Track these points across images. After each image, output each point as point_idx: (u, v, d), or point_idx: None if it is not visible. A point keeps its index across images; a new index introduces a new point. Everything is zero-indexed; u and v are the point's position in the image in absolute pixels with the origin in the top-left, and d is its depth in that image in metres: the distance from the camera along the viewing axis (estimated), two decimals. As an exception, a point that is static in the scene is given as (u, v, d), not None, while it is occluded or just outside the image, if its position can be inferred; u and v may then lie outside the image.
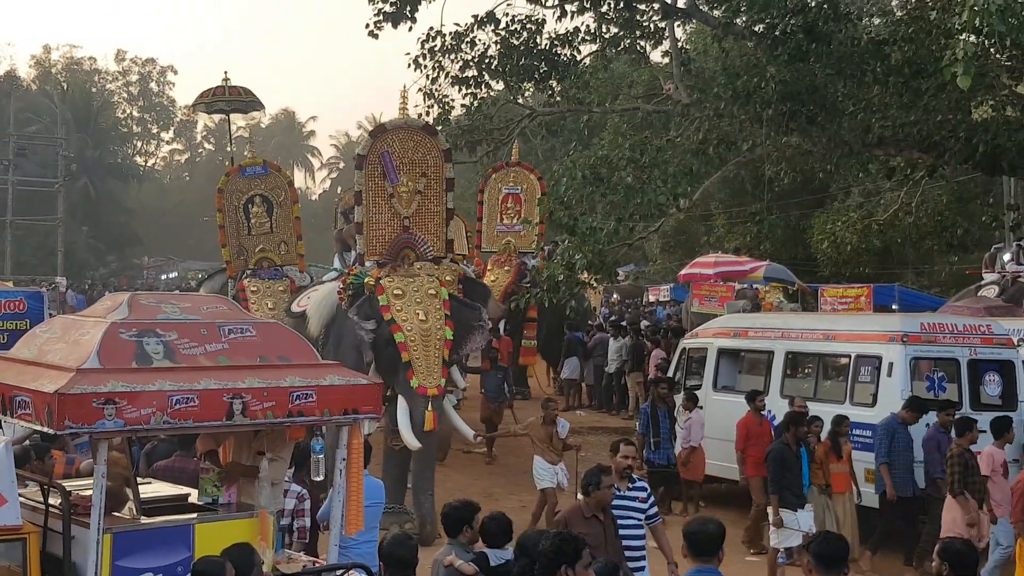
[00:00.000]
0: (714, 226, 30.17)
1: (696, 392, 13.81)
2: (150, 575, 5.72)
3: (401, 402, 11.32)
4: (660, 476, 12.98)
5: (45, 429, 5.41)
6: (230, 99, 18.57)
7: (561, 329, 21.59)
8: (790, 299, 19.93)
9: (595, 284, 19.66)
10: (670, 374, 15.12)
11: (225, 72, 18.77)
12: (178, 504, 6.50)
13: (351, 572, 6.43)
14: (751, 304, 20.11)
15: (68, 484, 6.15)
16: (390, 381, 11.53)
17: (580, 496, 7.20)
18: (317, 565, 6.54)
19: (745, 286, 19.99)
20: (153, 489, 6.79)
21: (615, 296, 32.30)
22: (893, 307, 19.79)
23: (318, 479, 7.95)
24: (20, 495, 5.75)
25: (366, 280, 11.83)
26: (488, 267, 20.99)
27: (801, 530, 9.94)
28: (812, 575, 4.98)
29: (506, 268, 21.03)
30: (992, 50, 12.24)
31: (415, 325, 11.39)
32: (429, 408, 11.18)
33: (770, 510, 10.18)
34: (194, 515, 6.19)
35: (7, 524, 5.45)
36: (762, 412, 12.17)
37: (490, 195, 21.20)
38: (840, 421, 11.12)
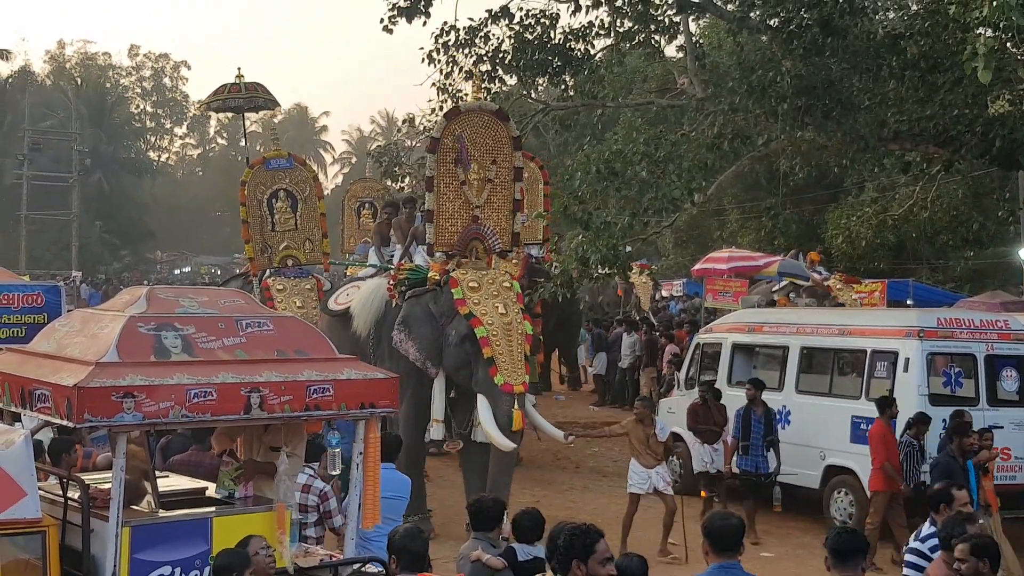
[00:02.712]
0: (727, 221, 30.09)
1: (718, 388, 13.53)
2: (168, 568, 5.73)
3: (482, 401, 10.57)
4: (749, 486, 12.20)
5: (65, 422, 5.43)
6: (244, 97, 18.10)
7: (565, 322, 21.52)
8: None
9: (605, 278, 19.55)
10: (683, 369, 15.08)
11: (239, 68, 18.21)
12: (196, 498, 6.52)
13: (367, 565, 6.44)
14: (765, 300, 20.06)
15: (87, 477, 6.18)
16: (459, 380, 11.01)
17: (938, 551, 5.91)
18: (334, 559, 6.55)
19: (810, 284, 19.58)
20: (171, 483, 6.80)
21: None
22: (907, 302, 19.71)
23: (334, 473, 7.98)
24: (39, 488, 5.77)
25: (430, 274, 11.21)
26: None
27: None
28: (831, 572, 4.96)
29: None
30: (1009, 44, 12.17)
31: (496, 319, 10.67)
32: (516, 406, 10.45)
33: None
34: (212, 509, 6.20)
35: (27, 517, 5.46)
36: (894, 420, 11.16)
37: None
38: (984, 432, 10.43)
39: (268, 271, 15.07)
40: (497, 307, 10.73)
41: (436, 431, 11.08)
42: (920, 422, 10.86)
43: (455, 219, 11.32)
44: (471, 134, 11.29)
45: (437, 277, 11.07)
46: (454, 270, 11.04)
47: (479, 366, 10.63)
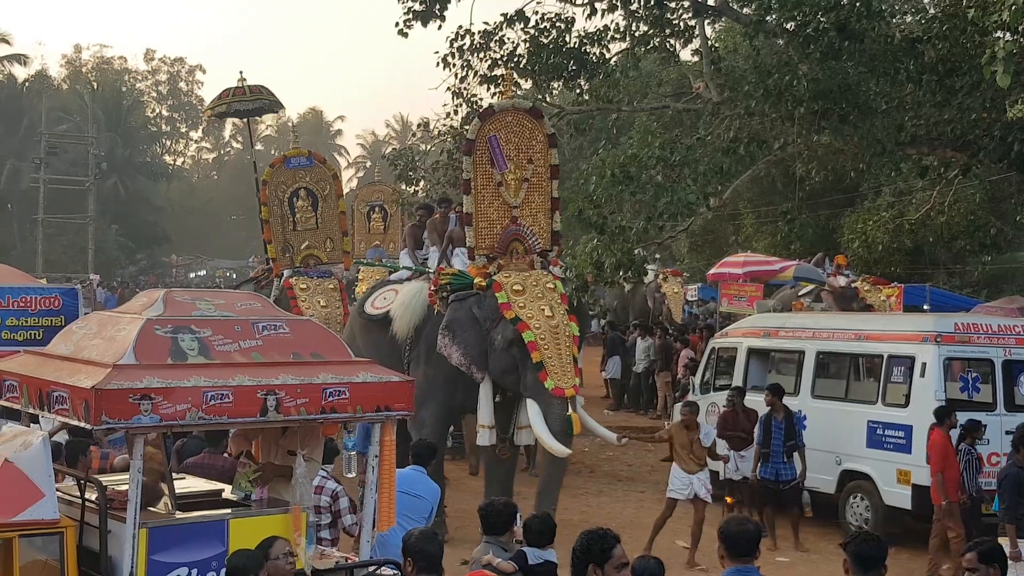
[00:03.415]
0: (742, 225, 30.02)
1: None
2: (185, 570, 5.75)
3: (532, 406, 10.35)
4: (767, 493, 11.93)
5: (82, 424, 5.45)
6: (248, 100, 17.80)
7: None
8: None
9: (624, 283, 19.44)
10: (699, 374, 15.04)
11: (240, 72, 17.88)
12: (212, 499, 6.53)
13: (383, 568, 6.44)
14: (782, 304, 20.00)
15: (104, 479, 6.20)
16: (506, 385, 10.83)
17: None
18: (349, 561, 6.55)
19: (843, 286, 19.39)
20: (187, 484, 6.82)
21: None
22: (924, 307, 19.63)
23: (349, 476, 7.98)
24: (57, 489, 5.79)
25: (476, 281, 10.94)
26: None
27: None
28: (849, 575, 4.94)
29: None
30: (1028, 48, 12.13)
31: (543, 322, 10.40)
32: (569, 410, 10.21)
33: (1004, 542, 8.60)
34: (228, 510, 6.21)
35: (45, 518, 5.49)
36: (953, 430, 10.74)
37: None
38: None
39: (289, 271, 14.86)
40: (543, 309, 10.49)
41: (486, 437, 10.82)
42: (974, 429, 10.62)
43: (494, 221, 11.12)
44: (506, 134, 11.11)
45: (484, 283, 10.85)
46: (496, 273, 10.85)
47: (528, 371, 10.40)
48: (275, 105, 18.76)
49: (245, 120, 21.64)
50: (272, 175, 15.15)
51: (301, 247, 14.96)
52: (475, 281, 10.96)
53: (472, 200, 11.05)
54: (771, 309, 18.94)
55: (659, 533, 11.16)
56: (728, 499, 12.40)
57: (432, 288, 11.36)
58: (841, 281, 19.73)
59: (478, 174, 11.07)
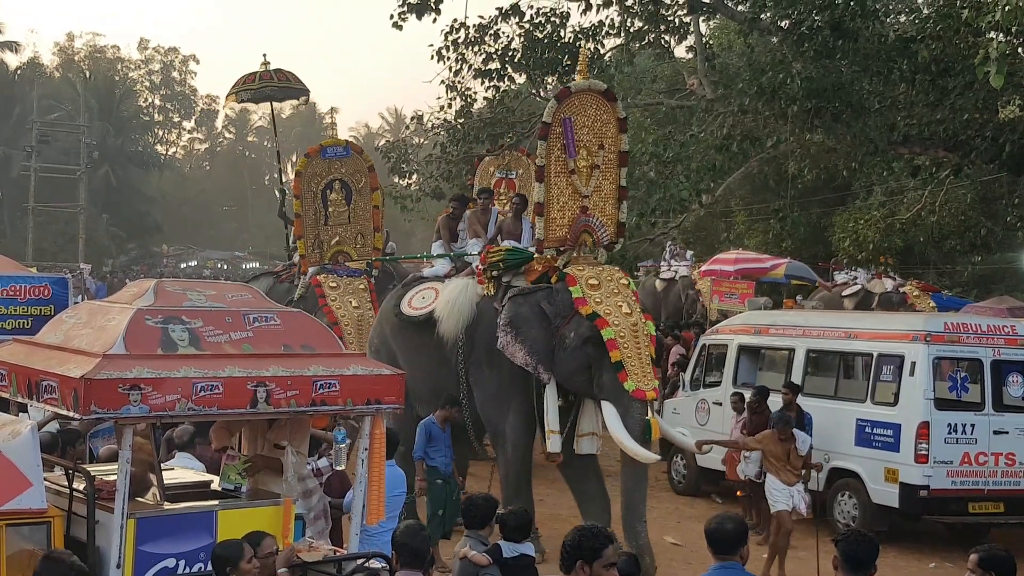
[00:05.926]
0: (734, 223, 30.07)
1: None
2: (172, 560, 5.75)
3: (610, 409, 9.61)
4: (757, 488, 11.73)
5: (71, 414, 5.44)
6: (278, 86, 17.16)
7: None
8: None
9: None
10: (689, 370, 15.05)
11: (264, 55, 17.42)
12: (201, 490, 6.52)
13: (371, 561, 6.44)
14: (771, 302, 20.07)
15: (93, 469, 6.18)
16: (573, 387, 10.04)
17: None
18: (338, 554, 6.55)
19: (889, 290, 19.28)
20: (176, 475, 6.81)
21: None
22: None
23: (339, 468, 7.98)
24: (45, 479, 5.78)
25: (536, 257, 10.32)
26: None
27: None
28: (837, 573, 4.95)
29: None
30: (1021, 49, 12.19)
31: (621, 319, 9.65)
32: (650, 414, 9.55)
33: None
34: (217, 502, 6.21)
35: (32, 507, 5.48)
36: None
37: (480, 180, 19.69)
38: None
39: (316, 267, 14.03)
40: (620, 306, 9.76)
41: (554, 443, 9.94)
42: None
43: (564, 210, 10.30)
44: (579, 117, 10.29)
45: (539, 268, 10.25)
46: (566, 265, 10.16)
47: (604, 371, 9.66)
48: (301, 92, 18.12)
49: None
50: (307, 165, 14.27)
51: (331, 243, 14.14)
52: (535, 257, 10.37)
53: (545, 188, 10.23)
54: (762, 307, 18.97)
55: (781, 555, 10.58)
56: (739, 492, 12.43)
57: (480, 266, 10.70)
58: (888, 284, 19.57)
59: (551, 160, 10.25)
